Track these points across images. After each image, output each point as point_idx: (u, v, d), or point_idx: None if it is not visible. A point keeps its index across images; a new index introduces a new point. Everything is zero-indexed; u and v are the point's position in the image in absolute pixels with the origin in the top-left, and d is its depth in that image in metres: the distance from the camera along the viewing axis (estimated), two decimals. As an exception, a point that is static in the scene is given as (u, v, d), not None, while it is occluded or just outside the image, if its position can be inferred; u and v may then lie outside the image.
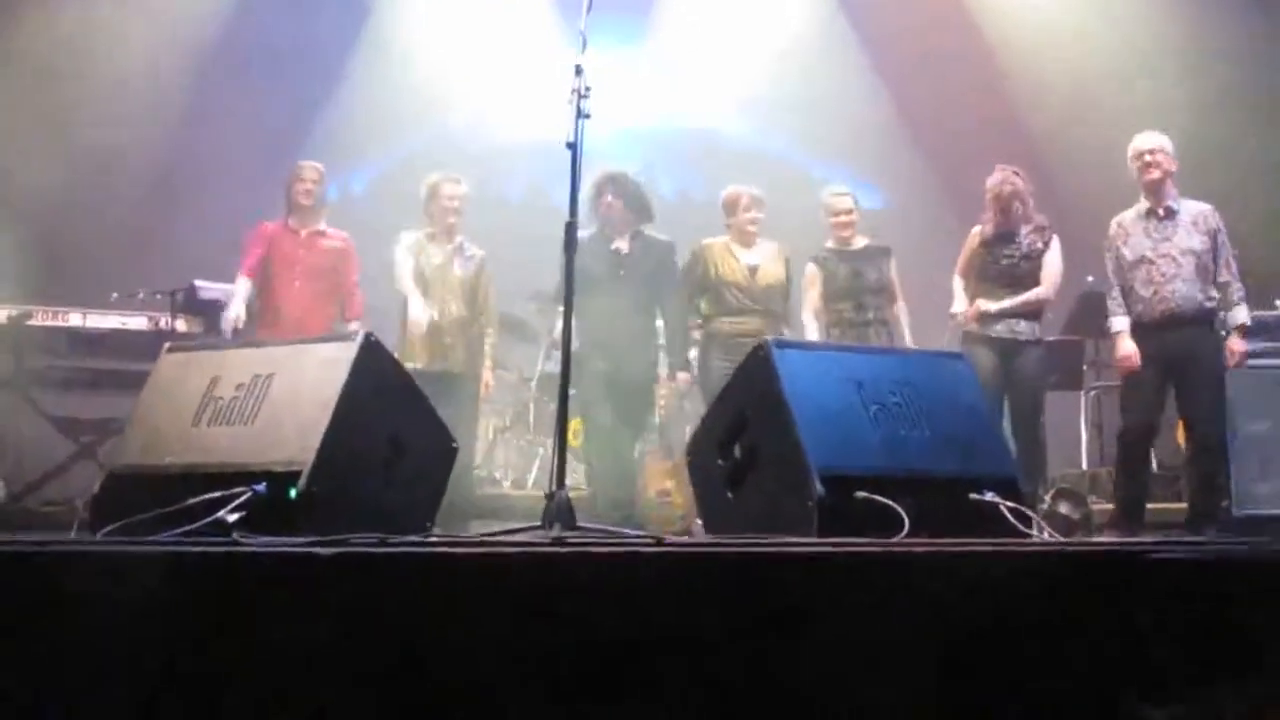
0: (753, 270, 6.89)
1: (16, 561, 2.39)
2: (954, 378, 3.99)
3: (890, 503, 3.41)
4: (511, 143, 9.81)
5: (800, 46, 10.19)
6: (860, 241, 7.01)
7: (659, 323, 6.96)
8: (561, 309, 6.89)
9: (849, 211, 6.98)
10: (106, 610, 2.29)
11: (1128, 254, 6.30)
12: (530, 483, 8.28)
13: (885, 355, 4.53)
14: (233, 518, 3.16)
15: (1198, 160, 9.01)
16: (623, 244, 6.67)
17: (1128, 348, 6.24)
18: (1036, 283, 6.54)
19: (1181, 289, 6.16)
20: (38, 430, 7.25)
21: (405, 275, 6.73)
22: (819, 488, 3.43)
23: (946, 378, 3.97)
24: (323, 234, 6.89)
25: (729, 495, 3.87)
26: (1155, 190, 6.29)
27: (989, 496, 3.63)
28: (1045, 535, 4.04)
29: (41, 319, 7.05)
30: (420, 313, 6.59)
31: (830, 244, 7.02)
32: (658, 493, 7.15)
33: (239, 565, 2.48)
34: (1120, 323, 6.31)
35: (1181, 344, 6.15)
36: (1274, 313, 6.98)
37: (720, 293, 6.90)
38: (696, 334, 7.03)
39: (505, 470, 8.45)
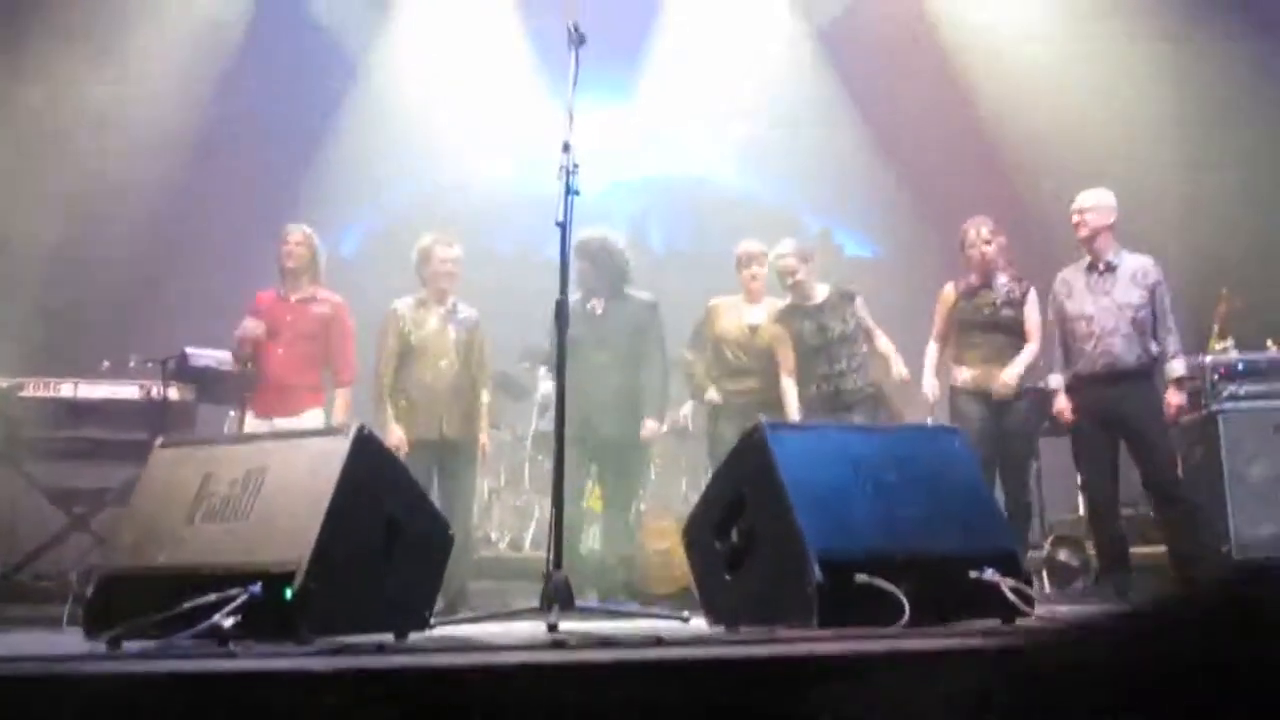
0: (753, 329, 6.88)
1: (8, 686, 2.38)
2: (948, 452, 3.97)
3: (891, 587, 3.39)
4: (500, 198, 9.82)
5: (789, 97, 10.22)
6: (822, 292, 6.95)
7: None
8: (543, 369, 6.99)
9: (794, 272, 6.90)
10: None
11: (1070, 308, 6.45)
12: (527, 542, 8.24)
13: (879, 433, 4.51)
14: (229, 622, 3.12)
15: (1188, 204, 9.08)
16: (599, 305, 6.68)
17: (1060, 404, 6.42)
18: (1020, 327, 6.58)
19: (1120, 344, 6.30)
20: (30, 502, 7.22)
21: (385, 386, 6.70)
22: (818, 573, 3.40)
23: (941, 453, 3.96)
24: (313, 299, 6.83)
25: (727, 577, 3.85)
26: (1089, 246, 6.46)
27: (989, 574, 3.60)
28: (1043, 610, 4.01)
29: (33, 390, 7.01)
30: (396, 438, 6.53)
31: (791, 300, 6.97)
32: (655, 551, 7.12)
33: (235, 682, 2.46)
34: (1056, 380, 6.49)
35: (1122, 398, 6.27)
36: (1266, 354, 6.98)
37: (720, 350, 6.90)
38: (716, 395, 6.96)
39: (501, 531, 8.39)
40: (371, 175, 9.88)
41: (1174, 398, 6.37)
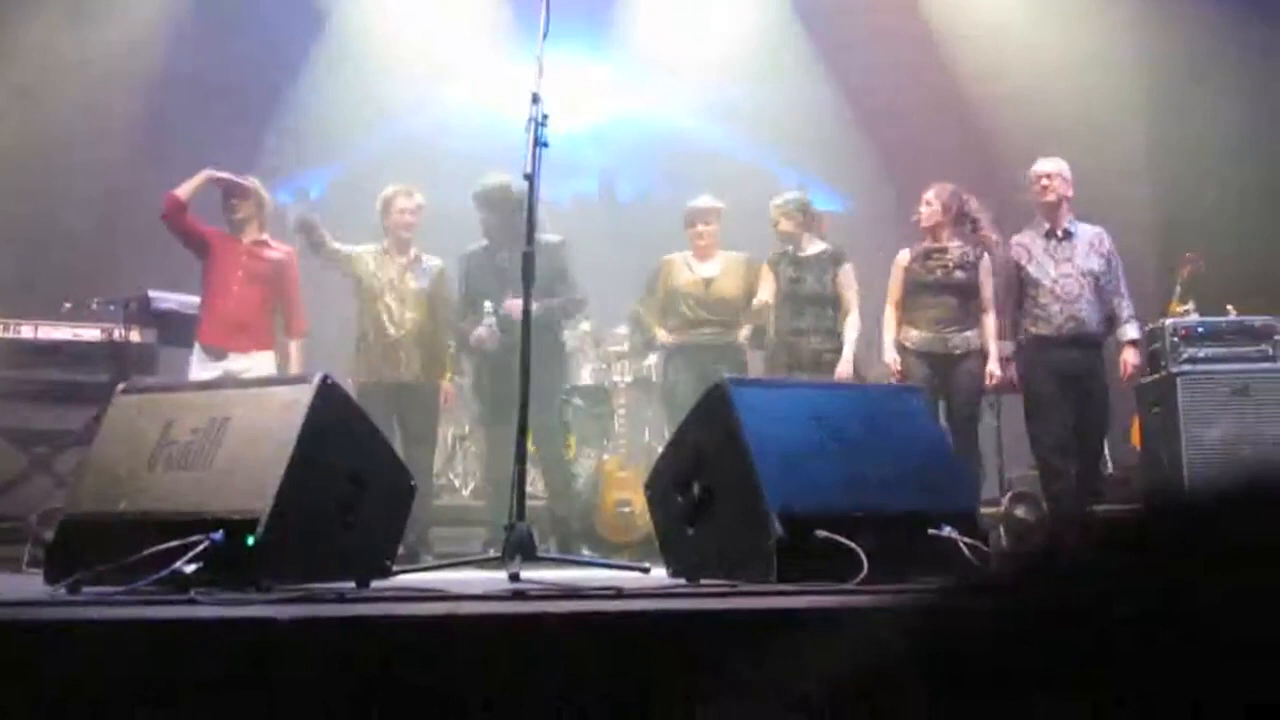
0: (707, 282, 6.90)
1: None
2: (910, 411, 4.01)
3: (849, 542, 3.42)
4: (468, 148, 9.73)
5: (762, 52, 10.18)
6: (814, 247, 6.94)
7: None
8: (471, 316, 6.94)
9: (775, 223, 6.92)
10: (60, 679, 2.28)
11: (1032, 271, 6.53)
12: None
13: (843, 390, 4.54)
14: (190, 568, 3.13)
15: (1154, 169, 9.11)
16: (506, 255, 6.53)
17: (1009, 371, 6.54)
18: (975, 289, 6.63)
19: (1085, 309, 6.46)
20: (-11, 443, 7.19)
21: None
22: (777, 528, 3.43)
23: (904, 412, 3.99)
24: (265, 244, 6.81)
25: (689, 531, 3.88)
26: (1051, 213, 6.57)
27: (947, 532, 3.64)
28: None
29: (-8, 330, 6.97)
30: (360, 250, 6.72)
31: (780, 246, 6.98)
32: (616, 502, 7.17)
33: (196, 629, 2.47)
34: (1007, 347, 6.58)
35: (1082, 361, 6.45)
36: (1226, 318, 7.05)
37: (675, 304, 6.93)
38: (666, 336, 7.02)
39: (465, 478, 8.43)
40: (338, 124, 9.80)
41: (1130, 358, 6.56)
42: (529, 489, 7.03)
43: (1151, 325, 7.13)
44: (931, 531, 3.65)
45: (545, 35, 4.34)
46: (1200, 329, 6.94)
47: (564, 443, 7.01)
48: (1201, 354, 6.87)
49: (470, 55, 10.03)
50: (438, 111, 10.08)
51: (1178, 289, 7.39)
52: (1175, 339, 6.91)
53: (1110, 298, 6.53)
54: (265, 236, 6.81)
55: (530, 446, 7.02)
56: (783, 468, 3.58)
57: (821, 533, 3.47)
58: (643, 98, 10.59)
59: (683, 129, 10.53)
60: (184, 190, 6.62)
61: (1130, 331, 6.54)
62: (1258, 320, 6.97)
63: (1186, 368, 6.82)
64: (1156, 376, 6.99)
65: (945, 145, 9.24)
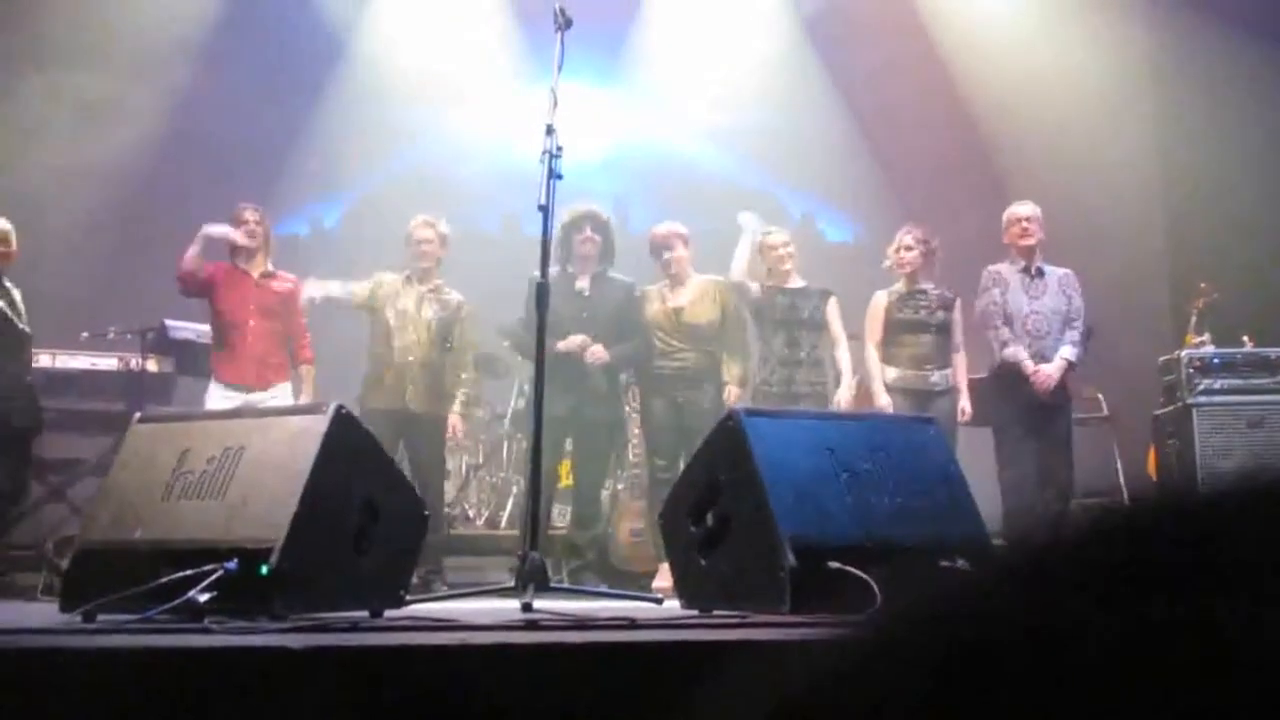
0: (677, 311, 6.84)
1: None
2: (925, 442, 4.01)
3: (862, 574, 3.42)
4: (484, 174, 9.79)
5: (774, 81, 10.21)
6: (798, 281, 6.97)
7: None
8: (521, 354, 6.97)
9: (786, 244, 6.97)
10: (74, 707, 2.29)
11: (1009, 304, 6.59)
12: (504, 520, 8.25)
13: (856, 421, 4.54)
14: (204, 597, 3.14)
15: (1170, 203, 9.09)
16: (585, 284, 6.64)
17: (1050, 368, 6.43)
18: (950, 328, 6.77)
19: (1051, 346, 6.51)
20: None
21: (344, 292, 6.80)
22: (790, 558, 3.44)
23: (917, 442, 3.99)
24: (274, 275, 6.83)
25: (701, 561, 3.88)
26: (1029, 253, 6.63)
27: (960, 563, 3.63)
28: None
29: (11, 360, 7.00)
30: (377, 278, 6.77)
31: (770, 280, 6.96)
32: (630, 531, 7.16)
33: (209, 658, 2.48)
34: (1022, 353, 6.48)
35: (1047, 396, 6.44)
36: (1242, 349, 7.05)
37: (649, 336, 6.88)
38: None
39: (479, 509, 8.42)
40: (352, 152, 9.85)
41: (1051, 370, 6.44)
42: (554, 520, 7.10)
43: (1166, 357, 7.15)
44: (944, 563, 3.64)
45: (560, 68, 4.37)
46: (1216, 360, 6.94)
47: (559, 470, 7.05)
48: (1217, 385, 6.87)
49: (483, 82, 10.07)
50: (451, 139, 10.12)
51: (1193, 320, 7.37)
52: (1191, 370, 6.91)
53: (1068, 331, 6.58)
54: (270, 266, 6.83)
55: (566, 478, 7.10)
56: (795, 498, 3.59)
57: (834, 563, 3.47)
58: (655, 124, 10.62)
59: (694, 156, 10.56)
60: (190, 259, 6.54)
61: (1068, 351, 6.49)
62: (1273, 352, 6.98)
63: (1202, 399, 6.82)
64: (1172, 408, 6.98)
65: (957, 173, 9.24)
